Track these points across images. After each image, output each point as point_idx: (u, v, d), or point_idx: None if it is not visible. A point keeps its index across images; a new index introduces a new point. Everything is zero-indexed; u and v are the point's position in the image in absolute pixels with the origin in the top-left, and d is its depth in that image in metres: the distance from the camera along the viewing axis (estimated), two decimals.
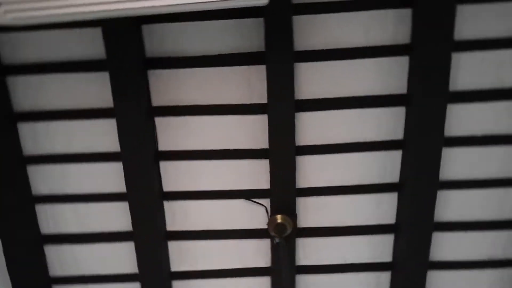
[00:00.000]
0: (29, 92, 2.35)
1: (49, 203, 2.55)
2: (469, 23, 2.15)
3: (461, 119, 2.34)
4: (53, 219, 2.59)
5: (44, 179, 2.51)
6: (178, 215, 2.57)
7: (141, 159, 2.39)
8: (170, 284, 2.71)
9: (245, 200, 2.55)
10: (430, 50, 2.14)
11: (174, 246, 2.64)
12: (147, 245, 2.57)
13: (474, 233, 2.57)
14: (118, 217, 2.57)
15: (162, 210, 2.56)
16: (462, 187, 2.47)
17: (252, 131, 2.40)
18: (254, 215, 2.58)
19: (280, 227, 2.48)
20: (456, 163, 2.43)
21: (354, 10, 2.16)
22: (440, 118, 2.29)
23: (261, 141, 2.42)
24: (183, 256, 2.67)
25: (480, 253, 2.61)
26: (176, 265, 2.69)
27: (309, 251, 2.67)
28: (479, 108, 2.31)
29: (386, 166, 2.47)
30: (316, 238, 2.63)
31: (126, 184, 2.42)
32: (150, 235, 2.55)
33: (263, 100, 2.33)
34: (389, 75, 2.28)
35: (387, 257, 2.67)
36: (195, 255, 2.66)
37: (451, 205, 2.52)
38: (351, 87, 2.31)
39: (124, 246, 2.63)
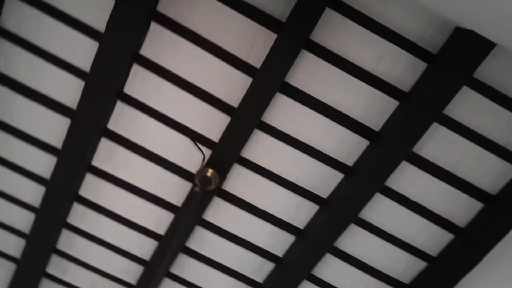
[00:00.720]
0: None
1: (10, 42, 2.30)
2: (463, 106, 2.12)
3: (406, 178, 2.34)
4: (5, 58, 2.34)
5: (17, 17, 2.25)
6: (124, 119, 2.42)
7: (118, 50, 2.20)
8: (83, 174, 2.57)
9: (190, 140, 2.43)
10: (419, 108, 2.10)
11: (105, 144, 2.49)
12: (82, 129, 2.40)
13: (359, 272, 2.63)
14: (68, 90, 2.37)
15: (112, 106, 2.38)
16: (373, 232, 2.51)
17: (231, 86, 2.28)
18: (191, 157, 2.48)
19: (206, 180, 2.40)
20: (379, 210, 2.45)
21: (379, 35, 2.07)
22: (390, 168, 2.28)
23: (234, 99, 2.31)
24: (108, 157, 2.53)
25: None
26: (98, 161, 2.55)
27: (219, 212, 2.63)
28: (425, 179, 2.32)
29: (324, 181, 2.45)
30: (231, 205, 2.59)
31: (92, 65, 2.23)
32: (89, 122, 2.39)
33: (257, 64, 2.20)
34: (374, 108, 2.23)
35: (280, 252, 2.69)
36: (120, 162, 2.53)
37: (356, 240, 2.55)
38: (337, 99, 2.24)
39: (61, 120, 2.44)
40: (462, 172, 2.28)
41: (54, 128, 2.47)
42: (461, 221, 2.40)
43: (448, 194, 2.33)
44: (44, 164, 2.57)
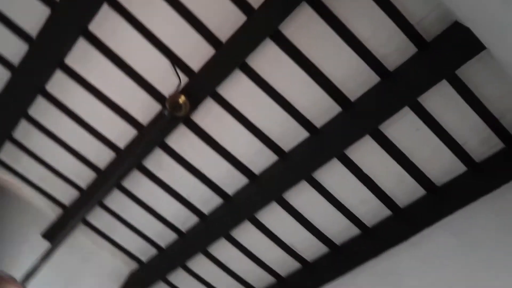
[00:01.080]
0: None
1: None
2: (437, 98, 2.14)
3: (365, 151, 2.39)
4: None
5: None
6: (107, 24, 2.27)
7: None
8: (54, 69, 2.41)
9: (170, 62, 2.33)
10: (397, 90, 2.11)
11: (82, 45, 2.34)
12: (61, 22, 2.24)
13: (298, 224, 2.73)
14: None
15: (97, 7, 2.21)
16: (321, 192, 2.57)
17: (225, 20, 2.18)
18: (167, 79, 2.39)
19: (176, 106, 2.35)
20: (332, 174, 2.50)
21: (382, 9, 2.00)
22: (353, 138, 2.32)
23: (223, 33, 2.22)
24: (83, 58, 2.39)
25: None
26: (71, 60, 2.40)
27: (182, 140, 2.60)
28: (382, 156, 2.37)
29: (289, 135, 2.46)
30: (195, 136, 2.56)
31: None
32: (70, 16, 2.22)
33: (255, 4, 2.11)
34: (355, 78, 2.22)
35: (230, 190, 2.73)
36: (94, 66, 2.41)
37: (303, 196, 2.62)
38: (323, 59, 2.21)
39: (40, 8, 2.24)
40: (416, 158, 2.35)
41: (32, 15, 2.27)
42: (401, 201, 2.51)
43: (398, 175, 2.41)
44: (15, 50, 2.38)
